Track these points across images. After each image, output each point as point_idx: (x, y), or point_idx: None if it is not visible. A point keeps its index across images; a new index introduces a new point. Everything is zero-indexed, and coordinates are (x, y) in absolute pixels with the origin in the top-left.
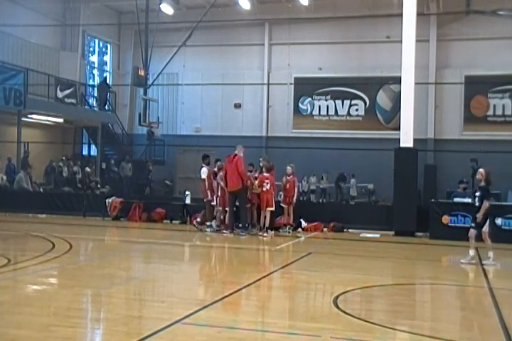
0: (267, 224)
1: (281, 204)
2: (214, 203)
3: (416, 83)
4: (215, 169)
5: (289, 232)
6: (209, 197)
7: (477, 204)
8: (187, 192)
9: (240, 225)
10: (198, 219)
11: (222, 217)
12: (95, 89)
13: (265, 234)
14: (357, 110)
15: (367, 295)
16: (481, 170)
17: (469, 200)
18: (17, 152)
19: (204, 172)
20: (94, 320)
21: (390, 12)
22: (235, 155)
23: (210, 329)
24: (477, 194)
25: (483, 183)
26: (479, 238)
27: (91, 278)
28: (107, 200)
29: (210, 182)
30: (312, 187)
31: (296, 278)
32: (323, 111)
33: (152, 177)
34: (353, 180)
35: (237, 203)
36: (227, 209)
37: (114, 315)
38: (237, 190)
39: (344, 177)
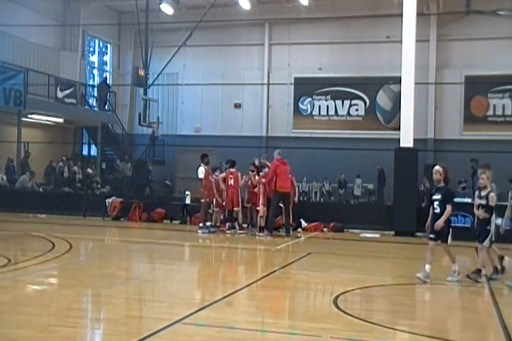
0: (262, 224)
1: (280, 205)
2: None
3: (416, 83)
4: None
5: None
6: (204, 198)
7: (437, 210)
8: (187, 192)
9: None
10: (208, 223)
11: (221, 218)
12: (95, 89)
13: (261, 234)
14: (357, 110)
15: (367, 295)
16: (437, 167)
17: (469, 200)
18: (17, 152)
19: (201, 171)
20: (94, 320)
21: (390, 12)
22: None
23: (210, 329)
24: (437, 197)
25: (442, 183)
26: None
27: (91, 278)
28: (107, 200)
29: (208, 183)
30: (315, 189)
31: (296, 278)
32: (323, 111)
33: (152, 177)
34: (359, 181)
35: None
36: (236, 209)
37: (114, 315)
38: (289, 192)
39: (343, 184)
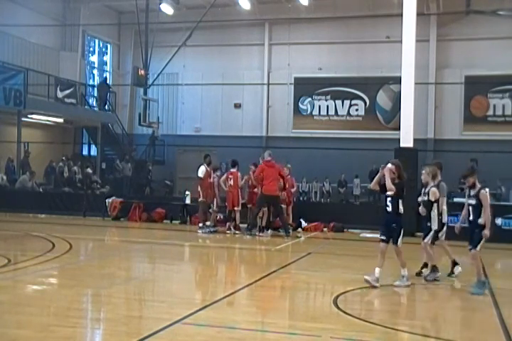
0: (263, 224)
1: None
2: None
3: (416, 83)
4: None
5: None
6: (201, 197)
7: (389, 208)
8: (187, 192)
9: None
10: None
11: (221, 218)
12: (95, 89)
13: (261, 234)
14: (357, 110)
15: (367, 295)
16: (389, 165)
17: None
18: (17, 152)
19: (202, 171)
20: (94, 320)
21: (390, 12)
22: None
23: (210, 329)
24: (389, 193)
25: (396, 181)
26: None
27: (91, 278)
28: (107, 200)
29: (207, 183)
30: (315, 189)
31: (296, 278)
32: (323, 111)
33: (152, 177)
34: (357, 181)
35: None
36: (236, 209)
37: (114, 315)
38: (276, 195)
39: (343, 183)
